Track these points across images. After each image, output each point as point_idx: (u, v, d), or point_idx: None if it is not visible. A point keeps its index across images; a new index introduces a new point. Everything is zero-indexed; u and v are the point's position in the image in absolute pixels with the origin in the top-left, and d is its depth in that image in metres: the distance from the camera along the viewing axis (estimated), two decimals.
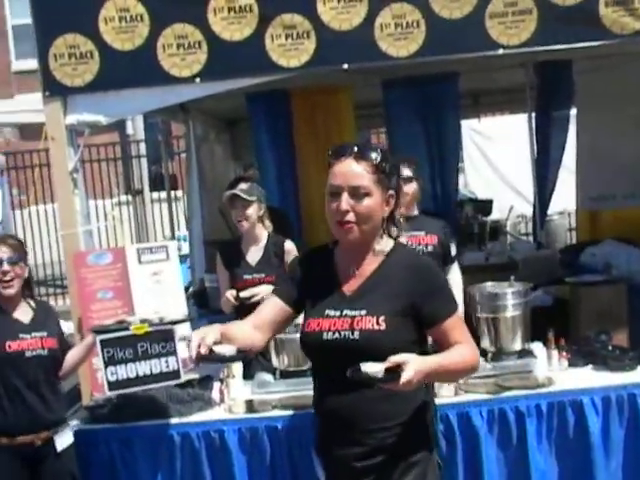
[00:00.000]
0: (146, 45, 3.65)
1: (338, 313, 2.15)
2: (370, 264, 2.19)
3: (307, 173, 6.00)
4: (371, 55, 3.61)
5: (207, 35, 3.62)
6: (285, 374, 3.40)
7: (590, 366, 3.39)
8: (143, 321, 2.97)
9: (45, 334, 3.05)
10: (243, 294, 3.70)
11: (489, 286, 3.50)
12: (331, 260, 2.26)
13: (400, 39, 3.58)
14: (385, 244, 2.20)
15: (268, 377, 3.41)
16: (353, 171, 2.09)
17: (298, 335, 3.19)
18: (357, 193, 2.09)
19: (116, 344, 2.95)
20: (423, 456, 2.17)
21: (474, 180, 10.85)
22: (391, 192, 2.16)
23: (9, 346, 2.94)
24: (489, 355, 3.33)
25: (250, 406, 3.26)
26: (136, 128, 14.03)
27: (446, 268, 3.86)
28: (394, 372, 1.88)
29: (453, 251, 3.93)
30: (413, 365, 1.92)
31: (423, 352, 2.12)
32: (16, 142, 18.67)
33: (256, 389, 3.37)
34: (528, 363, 3.33)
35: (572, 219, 8.61)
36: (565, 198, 7.07)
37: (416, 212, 3.93)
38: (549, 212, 6.92)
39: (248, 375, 3.50)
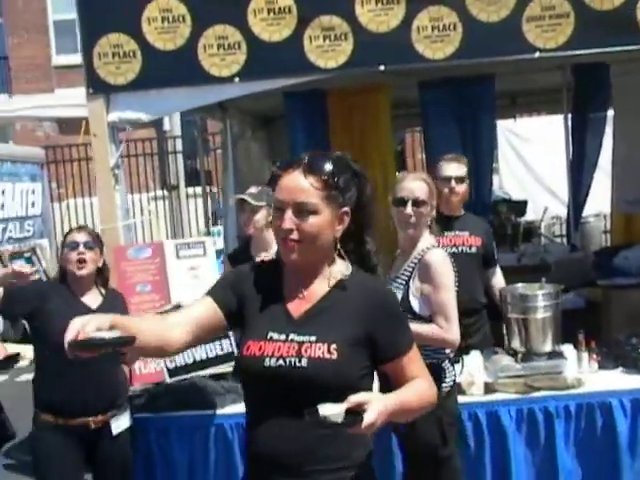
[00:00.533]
0: (187, 45, 3.75)
1: (283, 337, 1.88)
2: (321, 287, 1.94)
3: None
4: (408, 57, 3.67)
5: (247, 36, 3.71)
6: None
7: (620, 369, 3.41)
8: None
9: None
10: None
11: (520, 287, 3.53)
12: (279, 278, 1.99)
13: (437, 41, 3.62)
14: (339, 266, 1.96)
15: None
16: (299, 186, 1.86)
17: None
18: (302, 210, 1.85)
19: None
20: None
21: (508, 181, 10.80)
22: (345, 209, 1.90)
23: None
24: (519, 356, 3.36)
25: None
26: (173, 124, 14.24)
27: (489, 271, 3.88)
28: (355, 413, 1.68)
29: (496, 253, 3.94)
30: (376, 406, 1.70)
31: (369, 388, 1.92)
32: (55, 136, 19.06)
33: None
34: (558, 364, 3.35)
35: (608, 221, 8.55)
36: (601, 200, 7.03)
37: (462, 212, 3.93)
38: (584, 214, 6.89)
39: None
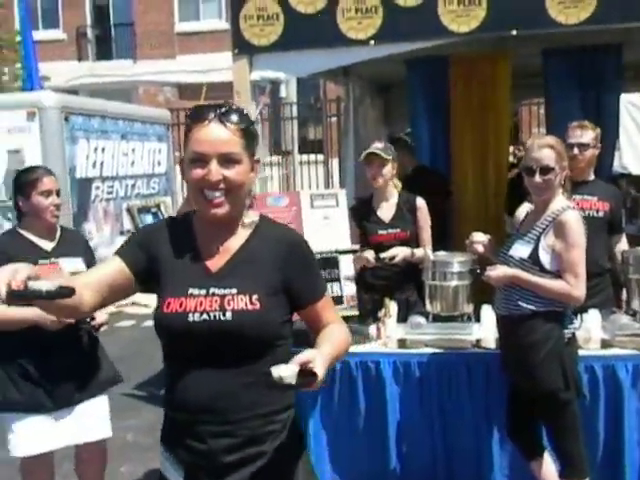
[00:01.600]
0: (327, 9, 3.98)
1: (204, 292, 1.87)
2: (237, 239, 1.93)
3: (460, 141, 6.10)
4: (540, 22, 3.74)
5: (383, 0, 3.89)
6: (437, 318, 3.67)
7: None
8: None
9: None
10: (385, 254, 3.87)
11: None
12: (190, 232, 1.97)
13: (570, 7, 3.68)
14: (249, 217, 1.97)
15: (421, 320, 3.69)
16: (222, 136, 1.83)
17: (451, 283, 3.50)
18: (228, 160, 1.84)
19: None
20: (292, 448, 1.96)
21: (628, 155, 10.52)
22: (257, 158, 1.94)
23: None
24: (638, 316, 3.44)
25: (403, 344, 3.57)
26: (289, 91, 14.54)
27: (614, 237, 3.93)
28: (305, 372, 1.67)
29: (623, 221, 3.99)
30: (320, 362, 1.69)
31: (290, 334, 1.97)
32: (175, 101, 19.84)
33: (410, 330, 3.67)
34: None
35: None
36: None
37: (592, 177, 3.97)
38: None
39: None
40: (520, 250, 3.03)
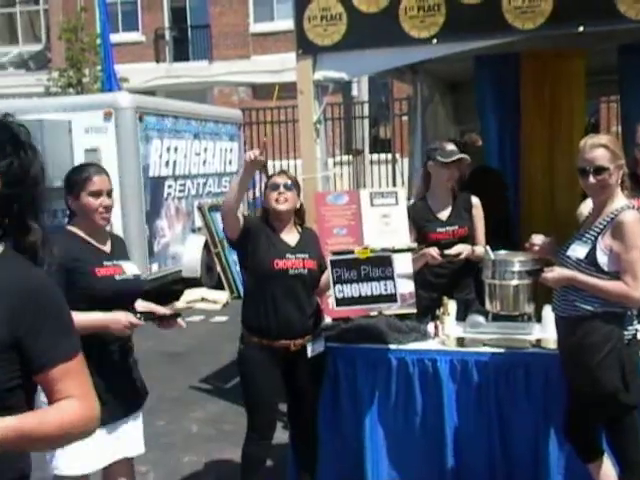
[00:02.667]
0: (389, 8, 3.97)
1: None
2: None
3: (530, 139, 5.99)
4: (609, 17, 3.65)
5: None
6: (496, 317, 3.64)
7: None
8: (365, 248, 3.36)
9: (307, 256, 3.47)
10: (449, 251, 3.88)
11: None
12: None
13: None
14: None
15: (480, 318, 3.67)
16: None
17: (511, 282, 3.46)
18: None
19: (343, 265, 3.34)
20: None
21: None
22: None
23: (276, 264, 3.39)
24: None
25: (461, 342, 3.56)
26: (360, 90, 14.57)
27: None
28: None
29: None
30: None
31: (22, 406, 1.60)
32: (249, 100, 20.15)
33: (468, 328, 3.65)
34: None
35: None
36: None
37: None
38: None
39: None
40: (577, 250, 2.98)
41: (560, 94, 5.92)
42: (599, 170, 2.94)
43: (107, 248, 3.07)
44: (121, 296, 2.97)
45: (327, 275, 3.42)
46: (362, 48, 4.07)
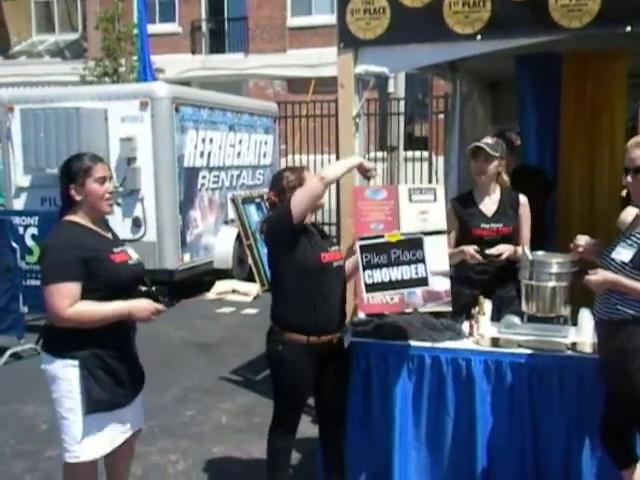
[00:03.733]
0: (433, 2, 3.92)
1: None
2: None
3: (570, 140, 5.92)
4: None
5: None
6: (532, 319, 3.60)
7: None
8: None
9: (338, 248, 3.52)
10: (491, 251, 3.84)
11: None
12: None
13: None
14: None
15: (516, 319, 3.63)
16: None
17: (549, 284, 3.42)
18: None
19: (372, 250, 3.29)
20: None
21: None
22: None
23: (323, 257, 3.35)
24: None
25: (496, 343, 3.52)
26: (397, 86, 14.46)
27: None
28: None
29: None
30: None
31: None
32: (284, 94, 20.15)
33: (503, 329, 3.61)
34: None
35: None
36: None
37: None
38: None
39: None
40: (622, 253, 2.93)
41: (602, 95, 5.84)
42: (639, 170, 2.90)
43: (110, 235, 3.16)
44: (135, 280, 3.11)
45: (351, 261, 3.40)
46: (405, 43, 4.03)
